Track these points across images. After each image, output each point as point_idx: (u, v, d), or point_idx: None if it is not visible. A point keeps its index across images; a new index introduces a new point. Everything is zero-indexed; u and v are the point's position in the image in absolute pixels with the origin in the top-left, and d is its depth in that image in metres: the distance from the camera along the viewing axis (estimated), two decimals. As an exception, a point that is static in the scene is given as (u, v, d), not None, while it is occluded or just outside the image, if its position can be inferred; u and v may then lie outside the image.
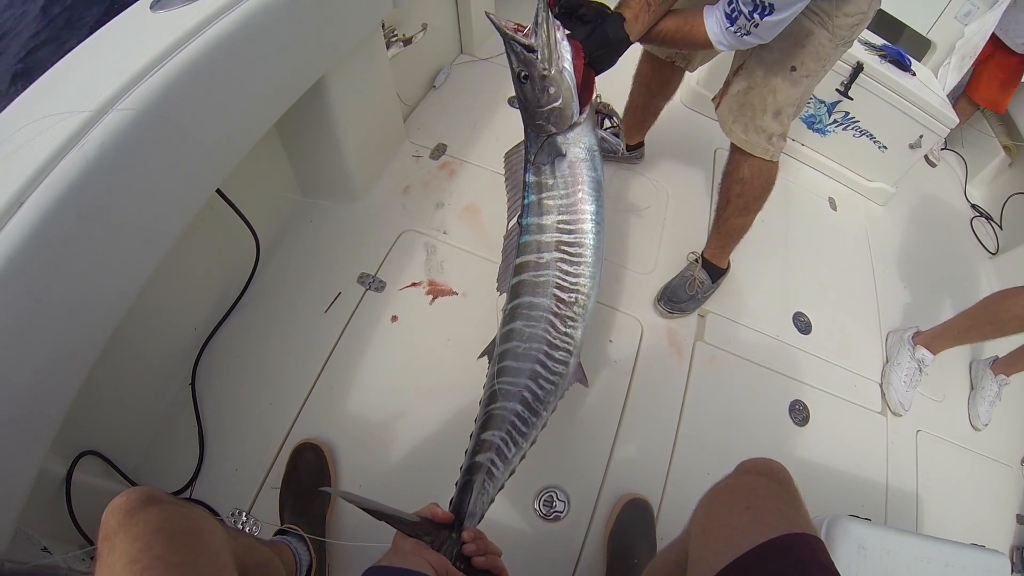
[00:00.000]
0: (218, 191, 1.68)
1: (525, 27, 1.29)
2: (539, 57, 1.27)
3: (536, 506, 1.73)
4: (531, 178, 1.40)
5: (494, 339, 1.43)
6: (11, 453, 1.10)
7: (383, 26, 2.17)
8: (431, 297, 2.06)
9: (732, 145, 1.95)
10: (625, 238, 2.39)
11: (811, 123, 3.00)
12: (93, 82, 1.16)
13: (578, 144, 1.37)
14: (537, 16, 1.25)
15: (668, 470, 1.88)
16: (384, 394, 1.86)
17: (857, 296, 2.62)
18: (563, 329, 1.37)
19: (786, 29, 1.65)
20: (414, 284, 2.08)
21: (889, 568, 1.45)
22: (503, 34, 1.29)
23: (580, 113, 1.34)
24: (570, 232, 1.38)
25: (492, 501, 1.30)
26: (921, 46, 3.36)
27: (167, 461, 1.71)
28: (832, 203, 2.97)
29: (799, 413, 2.13)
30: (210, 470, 1.71)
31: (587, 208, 1.38)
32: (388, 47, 2.29)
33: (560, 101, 1.31)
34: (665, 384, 2.04)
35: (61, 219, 1.03)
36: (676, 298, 2.17)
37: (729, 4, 1.46)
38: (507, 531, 1.69)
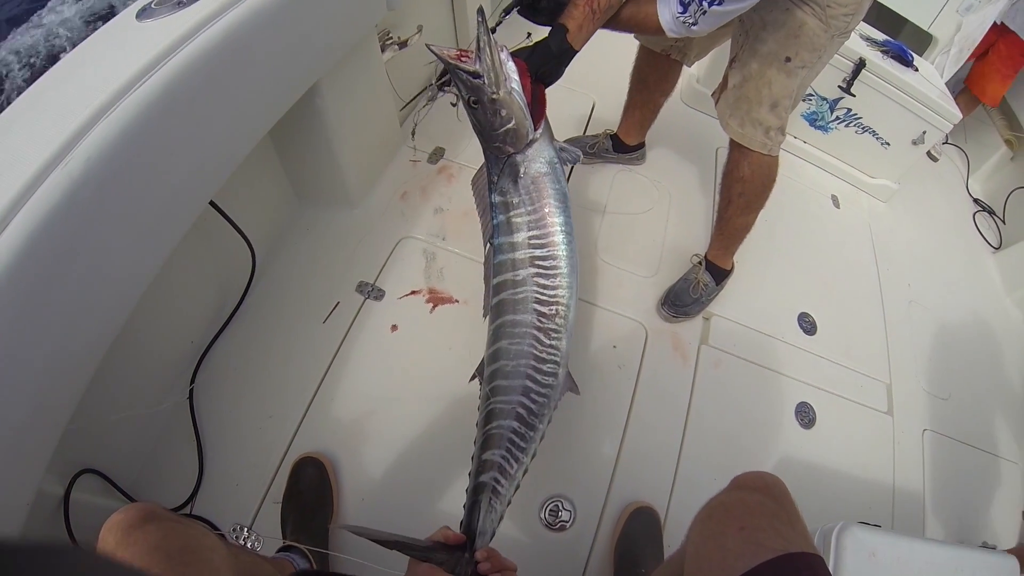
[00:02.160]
0: (211, 203, 1.65)
1: (469, 51, 1.30)
2: (485, 82, 1.29)
3: (542, 515, 1.71)
4: (496, 199, 1.42)
5: (482, 360, 1.44)
6: (8, 473, 1.07)
7: (377, 29, 2.13)
8: (431, 305, 2.03)
9: (731, 142, 1.95)
10: (627, 241, 2.37)
11: (813, 120, 2.97)
12: (79, 95, 1.12)
13: (538, 160, 1.39)
14: (479, 41, 1.27)
15: (674, 477, 1.86)
16: (385, 405, 1.84)
17: (861, 295, 2.60)
18: (548, 342, 1.38)
19: (779, 19, 1.69)
20: (414, 292, 2.06)
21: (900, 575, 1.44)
22: (445, 63, 1.30)
23: (535, 130, 1.36)
24: (542, 247, 1.39)
25: (501, 518, 1.31)
26: (922, 41, 3.33)
27: (167, 476, 1.69)
28: (835, 200, 2.95)
29: (805, 415, 2.11)
30: (210, 485, 1.68)
31: (555, 220, 1.40)
32: (383, 50, 2.26)
33: (513, 122, 1.33)
34: (670, 389, 2.02)
35: (50, 237, 1.00)
36: (680, 302, 2.15)
37: None
38: (513, 541, 1.67)
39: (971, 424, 2.39)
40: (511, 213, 1.40)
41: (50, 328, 1.07)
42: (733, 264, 2.27)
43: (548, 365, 1.37)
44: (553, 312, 1.38)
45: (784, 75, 1.79)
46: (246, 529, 1.61)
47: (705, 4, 1.44)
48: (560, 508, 1.73)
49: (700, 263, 2.23)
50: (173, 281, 1.62)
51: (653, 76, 2.28)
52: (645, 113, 2.46)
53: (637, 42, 2.20)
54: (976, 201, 3.46)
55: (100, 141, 1.06)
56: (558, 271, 1.39)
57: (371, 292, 2.03)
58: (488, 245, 1.45)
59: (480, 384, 1.43)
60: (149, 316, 1.54)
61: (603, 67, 2.58)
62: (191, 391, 1.79)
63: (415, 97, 2.67)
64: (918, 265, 2.86)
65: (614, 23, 1.63)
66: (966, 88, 3.56)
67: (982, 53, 3.45)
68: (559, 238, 1.39)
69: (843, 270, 2.65)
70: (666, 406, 1.98)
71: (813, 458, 2.05)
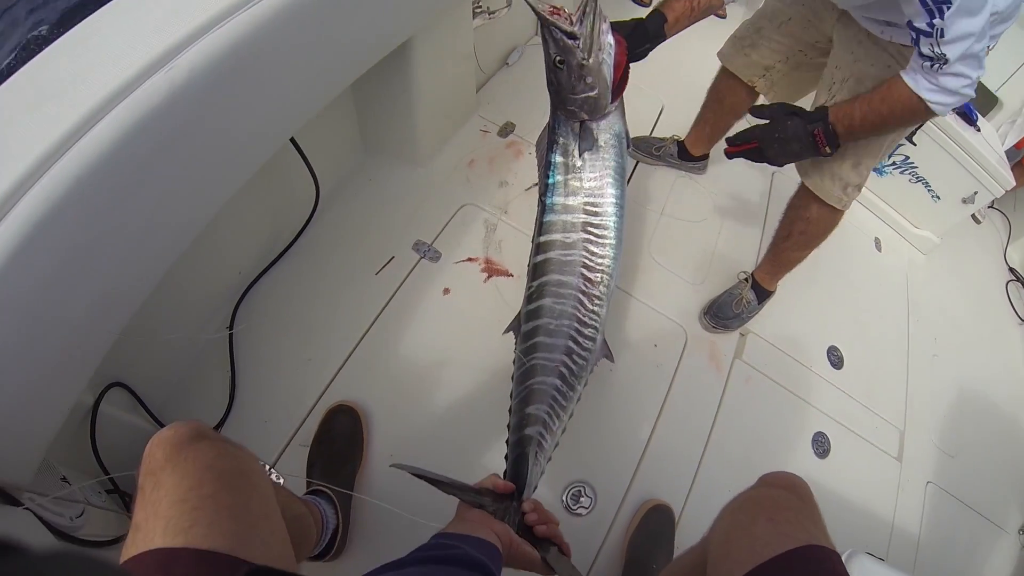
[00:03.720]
0: (291, 139, 1.66)
1: (561, 10, 1.26)
2: (580, 45, 1.25)
3: (564, 498, 1.76)
4: (558, 159, 1.40)
5: (518, 315, 1.46)
6: (55, 383, 1.07)
7: None
8: (486, 275, 2.07)
9: (803, 184, 1.94)
10: (679, 245, 2.41)
11: (871, 162, 3.00)
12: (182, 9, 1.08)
13: (608, 131, 1.39)
14: (586, 6, 1.23)
15: (693, 480, 1.90)
16: (428, 366, 1.87)
17: (889, 340, 2.64)
18: (591, 307, 1.41)
19: (879, 75, 1.64)
20: (470, 259, 2.09)
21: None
22: (541, 18, 1.26)
23: (612, 102, 1.35)
24: (596, 214, 1.40)
25: (543, 472, 1.36)
26: (988, 102, 3.36)
27: (195, 403, 1.71)
28: (877, 244, 2.98)
29: (821, 445, 2.16)
30: (238, 418, 1.70)
31: (612, 192, 1.41)
32: (473, 17, 2.28)
33: (596, 91, 1.31)
34: (701, 396, 2.06)
35: (139, 141, 0.97)
36: (722, 314, 2.19)
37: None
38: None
39: (974, 487, 2.43)
40: (570, 176, 1.40)
41: (127, 230, 1.06)
42: (776, 287, 2.31)
43: (589, 329, 1.41)
44: (599, 279, 1.41)
45: (874, 136, 1.75)
46: (270, 468, 1.63)
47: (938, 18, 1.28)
48: (582, 494, 1.77)
49: (747, 280, 2.26)
50: (234, 207, 1.52)
51: (730, 98, 2.29)
52: (715, 129, 2.47)
53: (717, 60, 2.20)
54: (1012, 271, 3.49)
55: (204, 54, 1.04)
56: (607, 241, 1.41)
57: (427, 252, 2.06)
58: (540, 201, 1.46)
59: (516, 339, 1.46)
60: (203, 239, 1.46)
61: (675, 72, 2.61)
62: (232, 322, 1.80)
63: (495, 72, 2.70)
64: (947, 322, 2.90)
65: (875, 123, 1.59)
66: (1021, 160, 3.57)
67: None
68: (613, 210, 1.41)
69: (875, 312, 2.69)
70: (695, 411, 2.02)
71: (822, 486, 2.08)
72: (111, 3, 1.09)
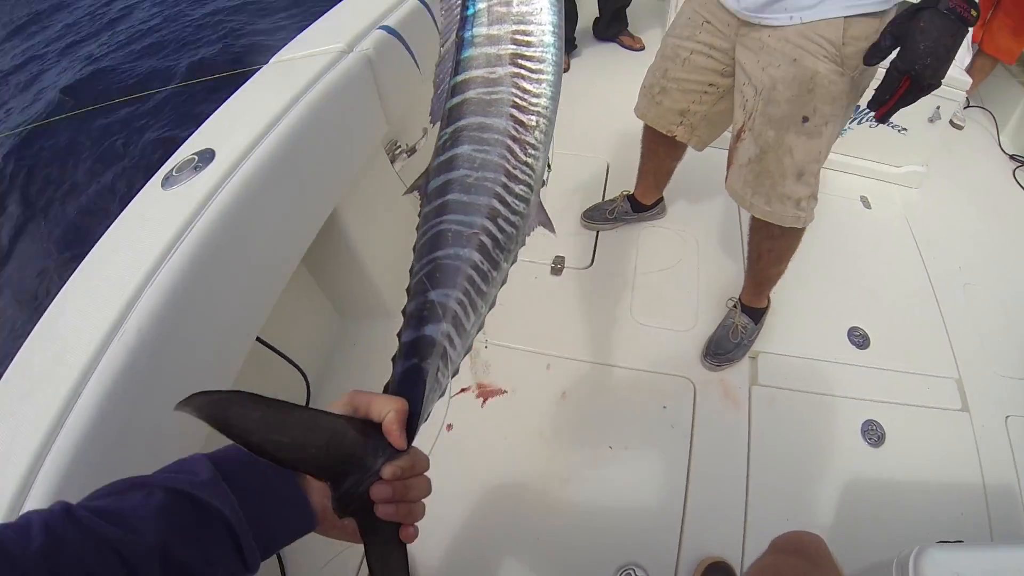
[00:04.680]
0: (258, 338, 1.73)
1: None
2: None
3: None
4: None
5: (427, 170, 1.15)
6: None
7: (383, 143, 2.25)
8: (482, 400, 2.11)
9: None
10: (661, 298, 2.41)
11: (825, 125, 2.97)
12: (125, 270, 1.23)
13: None
14: None
15: (744, 525, 1.85)
16: (445, 502, 1.88)
17: (911, 292, 2.55)
18: (523, 157, 1.15)
19: (788, 74, 1.57)
20: (463, 390, 2.14)
21: (992, 592, 1.40)
22: None
23: None
24: (529, 44, 1.17)
25: (441, 395, 0.93)
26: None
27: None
28: (865, 201, 2.92)
29: (873, 433, 2.07)
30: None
31: (549, 19, 1.18)
32: (393, 161, 2.39)
33: None
34: (727, 438, 2.02)
35: (115, 407, 1.09)
36: (722, 349, 2.17)
37: None
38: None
39: None
40: (494, 1, 1.17)
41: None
42: (769, 300, 2.27)
43: (520, 187, 1.15)
44: (533, 123, 1.15)
45: (806, 138, 1.65)
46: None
47: None
48: (634, 575, 1.75)
49: (735, 307, 2.23)
50: None
51: (663, 148, 2.32)
52: (659, 176, 2.49)
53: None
54: (1012, 157, 3.36)
55: (149, 309, 1.18)
56: (544, 76, 1.17)
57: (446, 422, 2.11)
58: (451, 38, 1.19)
59: (421, 201, 1.12)
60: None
61: (610, 127, 2.66)
62: None
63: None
64: (966, 243, 2.79)
65: None
66: (980, 50, 3.48)
67: (991, 12, 3.38)
68: (551, 39, 1.17)
69: (887, 271, 2.61)
70: (725, 455, 1.99)
71: (888, 477, 2.00)
72: (63, 291, 1.26)
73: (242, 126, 1.55)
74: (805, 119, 1.62)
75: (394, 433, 0.73)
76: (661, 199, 2.66)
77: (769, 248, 1.97)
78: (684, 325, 2.32)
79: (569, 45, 3.83)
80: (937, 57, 1.37)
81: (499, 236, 1.04)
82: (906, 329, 2.40)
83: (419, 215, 1.05)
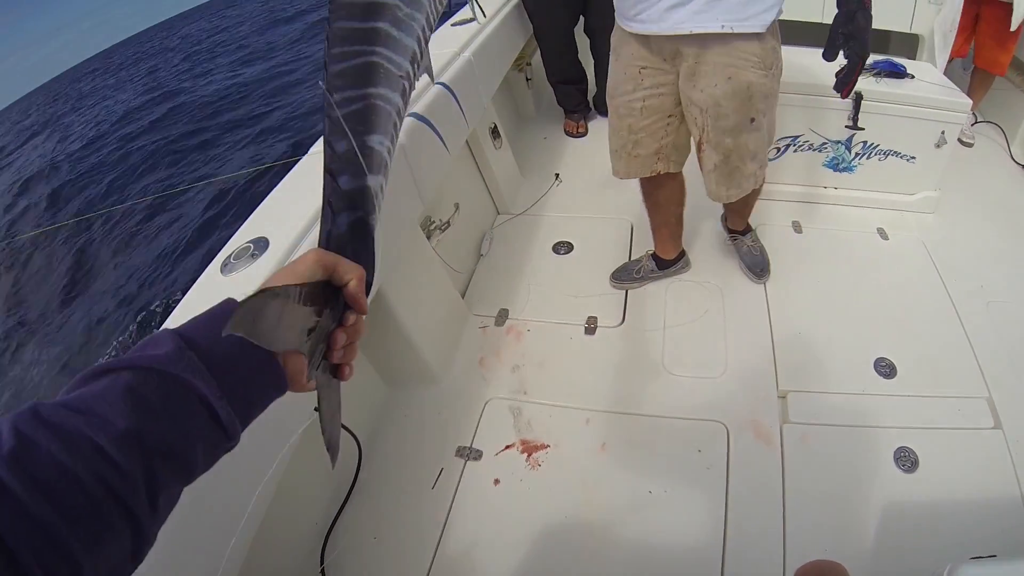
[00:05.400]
0: (315, 408, 1.88)
1: None
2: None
3: None
4: None
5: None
6: None
7: (419, 221, 2.42)
8: (526, 455, 2.23)
9: None
10: (691, 348, 2.51)
11: (836, 165, 3.09)
12: None
13: None
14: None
15: (784, 559, 1.90)
16: (495, 552, 2.00)
17: (935, 317, 2.60)
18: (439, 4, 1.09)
19: (728, 90, 1.89)
20: (508, 447, 2.26)
21: (1028, 606, 1.42)
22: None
23: None
24: None
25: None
26: (911, 44, 3.42)
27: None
28: (882, 233, 3.00)
29: (906, 460, 2.11)
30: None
31: None
32: (429, 237, 2.59)
33: None
34: (761, 476, 2.09)
35: None
36: (759, 266, 2.73)
37: None
38: None
39: None
40: None
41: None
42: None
43: (429, 32, 1.07)
44: None
45: (755, 132, 2.02)
46: None
47: None
48: None
49: (735, 239, 2.78)
50: (294, 478, 1.66)
51: (662, 195, 2.48)
52: (672, 228, 2.65)
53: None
54: None
55: None
56: None
57: (469, 454, 2.25)
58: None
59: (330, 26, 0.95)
60: (278, 509, 1.60)
61: (633, 189, 2.80)
62: (322, 571, 1.97)
63: (475, 267, 3.00)
64: (985, 261, 2.83)
65: None
66: (976, 67, 3.56)
67: (974, 28, 3.47)
68: None
69: (909, 299, 2.67)
70: (761, 493, 2.05)
71: (925, 500, 2.03)
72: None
73: (292, 214, 1.72)
74: (752, 120, 1.98)
75: (360, 302, 0.80)
76: (683, 253, 2.80)
77: (742, 204, 2.47)
78: (714, 372, 2.41)
79: (584, 108, 4.03)
80: (866, 37, 1.83)
81: (409, 87, 1.01)
82: (932, 354, 2.45)
83: (331, 14, 0.94)
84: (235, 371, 0.67)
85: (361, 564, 2.04)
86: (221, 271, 1.59)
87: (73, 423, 0.55)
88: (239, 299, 0.64)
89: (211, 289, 1.55)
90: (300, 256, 0.77)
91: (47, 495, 0.50)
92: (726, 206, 2.70)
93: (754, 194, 2.41)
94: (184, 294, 1.56)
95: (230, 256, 1.62)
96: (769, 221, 3.08)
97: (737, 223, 2.76)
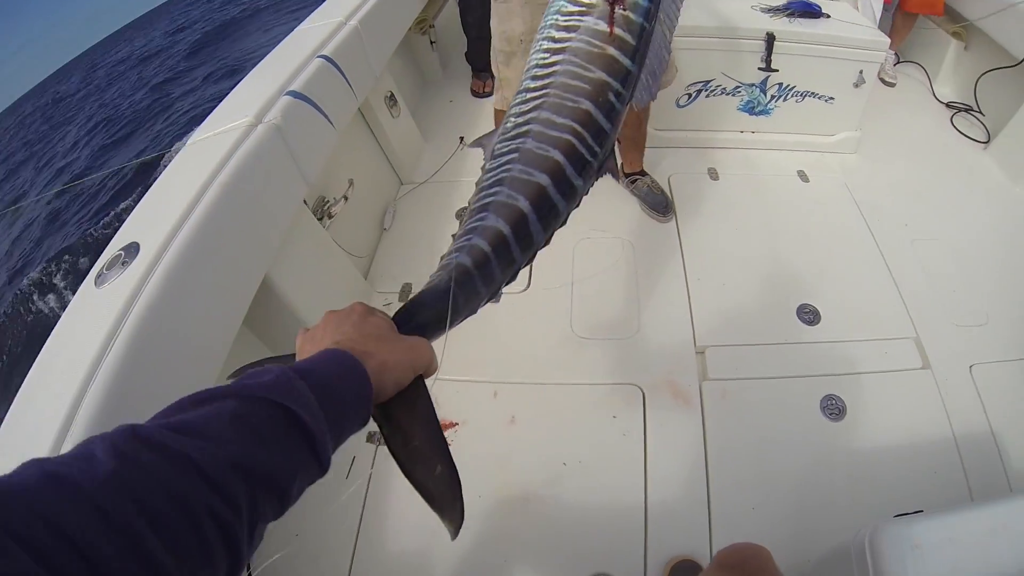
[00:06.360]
0: None
1: None
2: None
3: None
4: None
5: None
6: None
7: (307, 203, 2.26)
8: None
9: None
10: (604, 310, 2.39)
11: (751, 108, 2.98)
12: (67, 374, 1.25)
13: None
14: None
15: (709, 519, 1.83)
16: (405, 539, 1.90)
17: (859, 259, 2.53)
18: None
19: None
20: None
21: (952, 556, 1.33)
22: None
23: None
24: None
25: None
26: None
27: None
28: (802, 175, 2.92)
29: (833, 408, 2.04)
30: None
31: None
32: (327, 216, 2.41)
33: None
34: (681, 437, 2.00)
35: None
36: (662, 204, 2.70)
37: None
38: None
39: (1021, 335, 2.23)
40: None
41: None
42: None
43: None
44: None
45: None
46: None
47: None
48: None
49: (634, 181, 2.76)
50: None
51: None
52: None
53: None
54: (948, 104, 3.35)
55: (93, 411, 1.19)
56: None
57: (379, 439, 2.09)
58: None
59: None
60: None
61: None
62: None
63: (378, 243, 2.82)
64: (910, 199, 2.78)
65: None
66: (900, 9, 3.48)
67: None
68: None
69: (831, 242, 2.60)
70: (681, 454, 1.96)
71: (855, 448, 1.96)
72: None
73: (162, 215, 1.59)
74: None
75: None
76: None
77: (636, 128, 2.59)
78: (627, 332, 2.29)
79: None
80: None
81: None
82: (857, 297, 2.38)
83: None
84: (337, 404, 0.64)
85: (285, 560, 1.85)
86: (95, 284, 1.48)
87: (179, 444, 0.51)
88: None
89: (88, 303, 1.45)
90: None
91: (154, 525, 0.45)
92: (622, 143, 2.66)
93: (646, 116, 2.49)
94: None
95: (103, 267, 1.51)
96: (683, 170, 2.97)
97: (635, 162, 2.73)
